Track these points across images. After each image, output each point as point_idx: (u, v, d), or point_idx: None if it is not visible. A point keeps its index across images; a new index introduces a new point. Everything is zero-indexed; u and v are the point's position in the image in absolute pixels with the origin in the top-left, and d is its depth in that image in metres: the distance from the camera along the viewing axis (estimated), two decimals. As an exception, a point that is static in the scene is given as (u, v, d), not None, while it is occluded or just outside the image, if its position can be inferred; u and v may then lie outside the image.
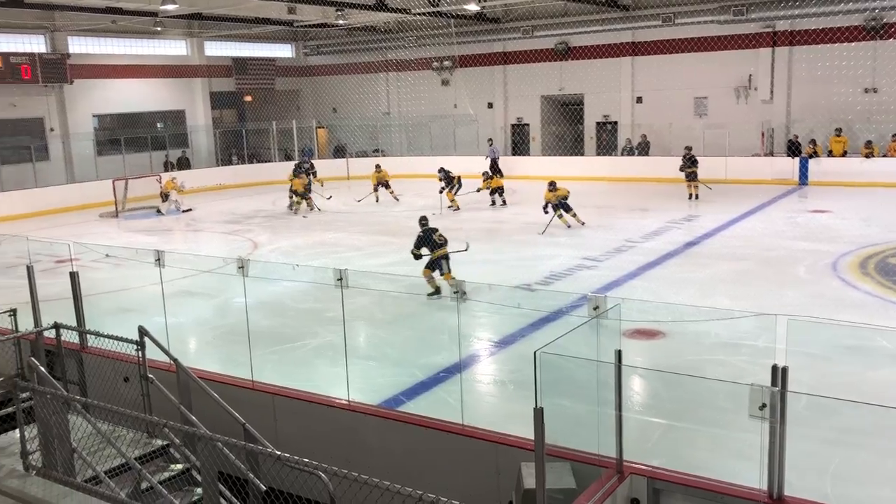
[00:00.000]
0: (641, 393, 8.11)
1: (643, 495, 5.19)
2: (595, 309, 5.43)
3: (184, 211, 22.50)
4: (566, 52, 28.86)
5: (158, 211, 22.40)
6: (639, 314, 9.93)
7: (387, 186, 23.50)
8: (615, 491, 5.04)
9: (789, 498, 4.70)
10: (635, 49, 27.72)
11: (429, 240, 12.25)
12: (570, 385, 7.25)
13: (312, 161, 27.37)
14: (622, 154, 27.53)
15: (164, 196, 22.63)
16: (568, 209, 17.64)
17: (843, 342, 8.93)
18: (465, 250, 12.93)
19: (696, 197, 21.01)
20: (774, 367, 4.50)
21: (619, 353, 5.11)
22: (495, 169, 27.50)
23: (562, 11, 27.74)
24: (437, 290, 11.90)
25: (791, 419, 4.61)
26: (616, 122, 28.67)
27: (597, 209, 20.66)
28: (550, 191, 17.59)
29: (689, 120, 26.47)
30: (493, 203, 21.78)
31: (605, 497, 4.95)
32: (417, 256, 12.25)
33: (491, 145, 28.51)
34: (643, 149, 26.97)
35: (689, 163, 21.22)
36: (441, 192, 21.25)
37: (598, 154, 28.71)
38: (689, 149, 21.85)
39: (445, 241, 12.29)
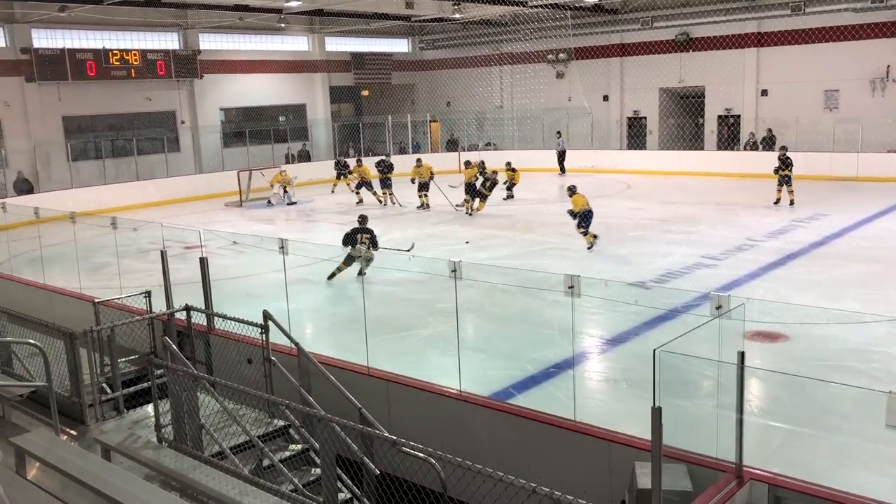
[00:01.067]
0: (762, 397, 7.81)
1: (764, 502, 5.00)
2: (717, 308, 5.26)
3: (289, 203, 23.17)
4: (687, 44, 27.99)
5: (269, 202, 23.17)
6: (761, 315, 9.54)
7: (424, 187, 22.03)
8: (734, 496, 4.88)
9: (925, 515, 4.43)
10: (761, 40, 26.56)
11: (351, 238, 12.96)
12: (688, 386, 7.07)
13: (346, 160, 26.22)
14: (745, 149, 26.45)
15: (281, 187, 23.43)
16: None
17: None
18: (409, 250, 13.13)
19: (791, 203, 19.06)
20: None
21: (741, 355, 4.94)
22: (561, 162, 27.57)
23: (683, 1, 26.93)
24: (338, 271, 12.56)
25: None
26: (739, 116, 27.59)
27: (717, 206, 19.99)
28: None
29: (817, 114, 25.15)
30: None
31: (723, 501, 4.80)
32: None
33: (559, 137, 28.24)
34: (768, 143, 25.79)
35: (784, 165, 19.15)
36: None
37: (720, 148, 27.70)
38: (784, 149, 19.86)
39: (369, 244, 12.74)
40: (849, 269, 12.77)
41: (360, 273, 12.41)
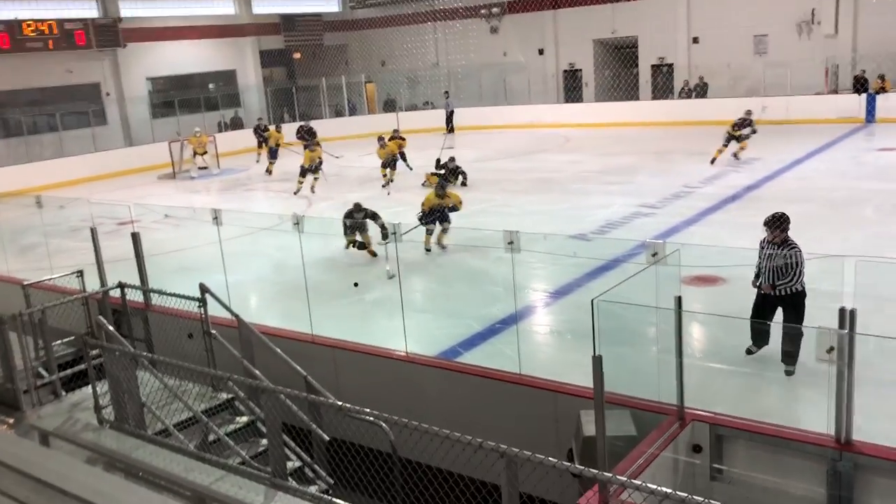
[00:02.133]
0: (702, 340, 7.99)
1: (705, 442, 5.13)
2: (653, 255, 5.33)
3: (202, 170, 22.57)
4: (618, -7, 28.05)
5: (191, 176, 22.46)
6: (698, 260, 9.73)
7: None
8: (677, 437, 5.00)
9: (858, 442, 4.59)
10: (691, -13, 26.75)
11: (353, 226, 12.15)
12: (629, 333, 7.18)
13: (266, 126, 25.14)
14: (679, 97, 26.78)
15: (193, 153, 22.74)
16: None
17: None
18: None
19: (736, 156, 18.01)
20: (842, 310, 4.36)
21: (678, 300, 5.02)
22: (449, 123, 27.68)
23: (614, -50, 26.92)
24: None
25: (859, 363, 4.47)
26: (672, 65, 27.86)
27: (654, 155, 20.24)
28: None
29: (748, 59, 25.54)
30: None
31: (666, 443, 4.91)
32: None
33: (447, 98, 28.37)
34: (701, 91, 26.15)
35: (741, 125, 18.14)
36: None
37: (654, 98, 27.99)
38: (748, 113, 18.48)
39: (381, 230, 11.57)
40: (782, 211, 13.07)
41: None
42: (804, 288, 7.08)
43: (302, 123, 23.08)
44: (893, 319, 7.42)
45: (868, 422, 4.92)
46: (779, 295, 7.04)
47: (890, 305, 7.95)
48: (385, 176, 18.36)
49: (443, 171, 17.54)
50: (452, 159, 17.95)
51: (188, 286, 7.47)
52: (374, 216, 11.87)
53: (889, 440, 4.73)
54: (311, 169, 17.95)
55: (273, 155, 21.77)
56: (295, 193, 17.87)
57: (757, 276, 7.36)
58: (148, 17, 28.62)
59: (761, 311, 7.17)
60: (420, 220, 11.97)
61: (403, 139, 19.62)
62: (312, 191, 17.85)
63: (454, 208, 12.26)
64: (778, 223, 7.45)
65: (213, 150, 23.25)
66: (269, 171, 21.46)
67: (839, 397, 4.52)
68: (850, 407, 4.54)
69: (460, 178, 17.57)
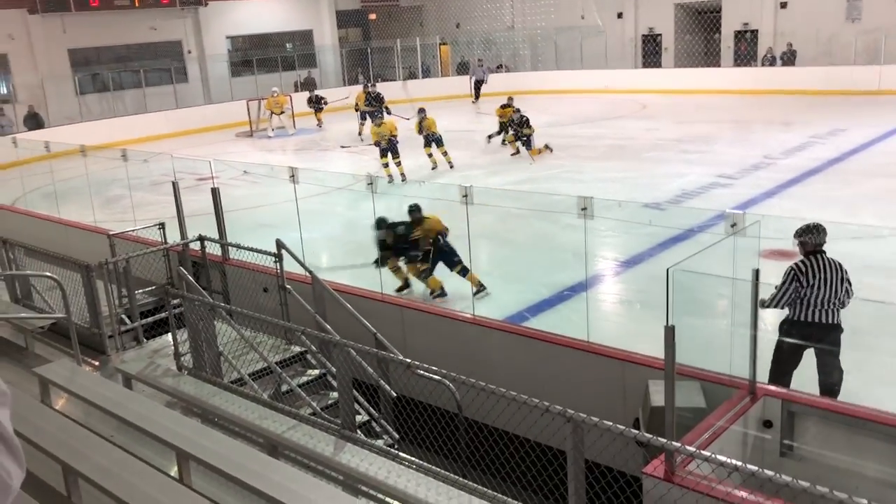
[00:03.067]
0: (778, 315, 7.79)
1: (776, 418, 5.04)
2: (732, 226, 5.19)
3: (278, 130, 22.79)
4: (703, -44, 27.06)
5: (268, 135, 22.70)
6: (777, 233, 9.45)
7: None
8: (747, 412, 4.92)
9: (939, 427, 4.45)
10: (781, -51, 25.59)
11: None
12: (702, 305, 7.06)
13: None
14: (762, 65, 25.79)
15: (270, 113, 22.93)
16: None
17: None
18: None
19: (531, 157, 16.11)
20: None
21: (756, 272, 4.90)
22: (478, 92, 26.70)
23: (700, -89, 25.91)
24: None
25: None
26: (756, 31, 26.80)
27: (733, 124, 19.64)
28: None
29: (839, 25, 24.37)
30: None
31: (736, 417, 4.84)
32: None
33: (480, 66, 27.40)
34: (788, 59, 25.09)
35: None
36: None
37: (736, 65, 27.03)
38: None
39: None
40: (867, 185, 12.58)
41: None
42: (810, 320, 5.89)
43: (369, 87, 21.04)
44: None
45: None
46: (829, 324, 5.73)
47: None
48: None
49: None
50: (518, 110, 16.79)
51: (264, 242, 7.66)
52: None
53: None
54: (383, 147, 15.35)
55: (363, 117, 20.27)
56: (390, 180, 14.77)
57: (787, 322, 5.89)
58: (229, -24, 29.06)
59: (790, 363, 5.81)
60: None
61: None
62: (403, 178, 15.20)
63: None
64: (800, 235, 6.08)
65: (289, 110, 23.57)
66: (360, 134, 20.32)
67: (922, 379, 4.38)
68: (934, 390, 4.39)
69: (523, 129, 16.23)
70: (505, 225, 11.78)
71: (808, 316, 5.76)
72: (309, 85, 29.88)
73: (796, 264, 5.92)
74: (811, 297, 5.72)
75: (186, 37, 28.21)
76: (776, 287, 5.90)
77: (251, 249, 7.53)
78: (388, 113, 19.25)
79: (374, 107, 19.87)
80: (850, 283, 5.85)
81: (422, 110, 16.50)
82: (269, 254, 7.29)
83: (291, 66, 30.43)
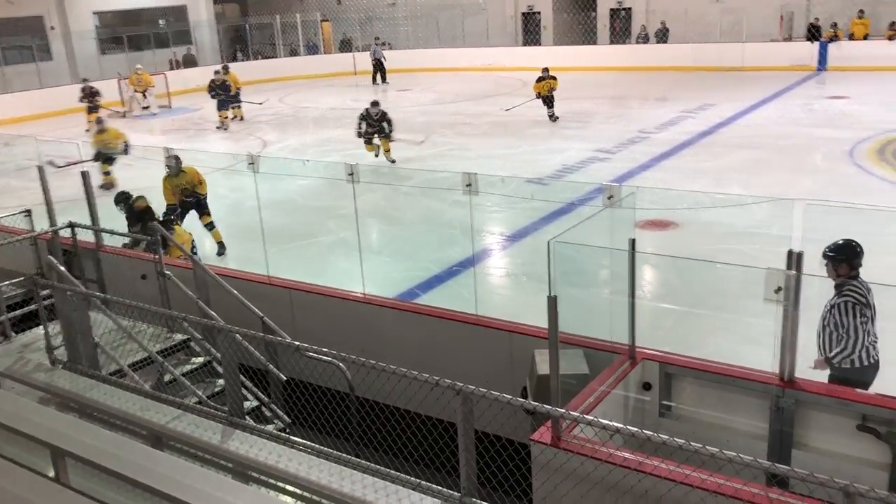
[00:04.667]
0: (654, 282, 8.16)
1: (655, 380, 5.28)
2: (609, 198, 5.38)
3: (144, 109, 21.97)
4: (579, -65, 27.68)
5: (125, 113, 21.81)
6: (652, 204, 9.88)
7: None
8: (628, 375, 5.13)
9: (800, 379, 4.77)
10: (651, -70, 26.51)
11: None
12: (583, 275, 7.29)
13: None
14: (637, 42, 26.73)
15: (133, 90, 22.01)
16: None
17: (859, 228, 8.86)
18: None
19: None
20: (790, 252, 4.48)
21: (632, 242, 5.09)
22: (383, 71, 26.22)
23: None
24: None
25: (803, 304, 4.62)
26: (630, 9, 27.73)
27: (610, 100, 20.29)
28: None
29: (705, 5, 25.53)
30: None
31: (617, 381, 5.03)
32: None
33: (381, 44, 27.29)
34: (661, 36, 26.12)
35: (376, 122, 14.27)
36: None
37: (612, 43, 27.89)
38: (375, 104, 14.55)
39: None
40: (733, 157, 13.31)
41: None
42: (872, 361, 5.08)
43: (215, 74, 19.49)
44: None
45: (809, 361, 5.11)
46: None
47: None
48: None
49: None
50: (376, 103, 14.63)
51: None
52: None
53: (827, 377, 4.93)
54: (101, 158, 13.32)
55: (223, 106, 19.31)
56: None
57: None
58: (93, -53, 27.46)
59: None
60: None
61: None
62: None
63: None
64: (844, 253, 5.09)
65: (163, 89, 22.59)
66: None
67: (784, 337, 4.68)
68: (794, 346, 4.70)
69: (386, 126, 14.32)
70: (393, 203, 11.78)
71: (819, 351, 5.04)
72: (186, 63, 28.75)
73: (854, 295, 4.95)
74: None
75: (49, 12, 26.48)
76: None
77: (126, 235, 7.20)
78: (235, 100, 18.72)
79: (219, 95, 18.92)
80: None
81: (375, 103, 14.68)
82: (146, 239, 7.00)
83: (165, 44, 29.16)
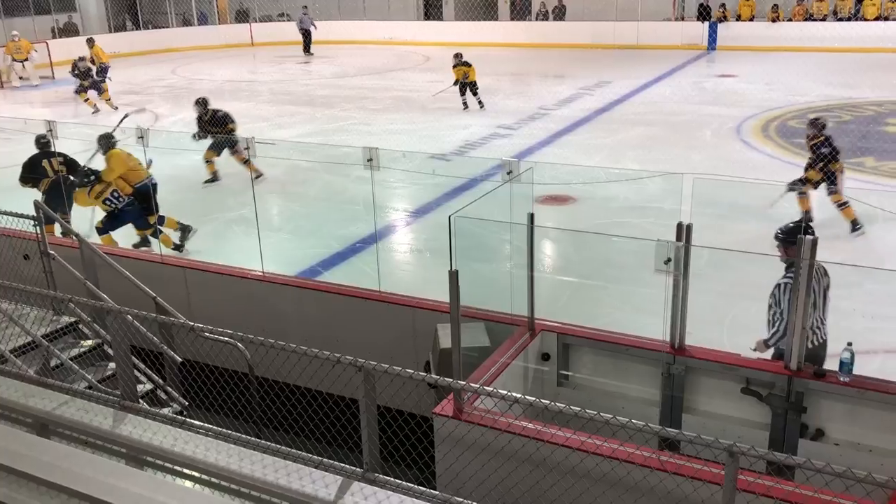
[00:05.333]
0: (553, 255, 8.34)
1: (553, 350, 5.41)
2: (508, 174, 5.44)
3: (21, 78, 20.66)
4: None
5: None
6: (551, 179, 10.06)
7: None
8: (527, 347, 5.24)
9: (690, 347, 4.99)
10: None
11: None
12: (485, 250, 7.38)
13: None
14: (536, 19, 27.06)
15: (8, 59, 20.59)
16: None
17: (744, 202, 9.31)
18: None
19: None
20: (679, 224, 4.65)
21: (531, 216, 5.18)
22: (308, 42, 25.47)
23: None
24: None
25: (692, 274, 4.82)
26: (530, -14, 28.03)
27: (511, 76, 20.48)
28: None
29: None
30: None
31: (517, 353, 5.13)
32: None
33: (306, 14, 26.12)
34: (559, 14, 26.53)
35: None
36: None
37: (512, 19, 28.13)
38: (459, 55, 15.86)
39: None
40: (628, 133, 13.69)
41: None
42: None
43: (78, 60, 17.90)
44: (724, 234, 8.01)
45: (698, 329, 5.34)
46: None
47: (722, 221, 8.58)
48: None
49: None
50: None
51: (22, 204, 6.94)
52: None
53: (714, 344, 5.17)
54: None
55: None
56: None
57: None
58: None
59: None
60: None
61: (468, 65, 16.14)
62: None
63: None
64: (794, 236, 4.83)
65: (45, 59, 21.34)
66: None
67: (674, 307, 4.87)
68: (684, 315, 4.90)
69: None
70: (293, 178, 11.56)
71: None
72: (69, 31, 27.21)
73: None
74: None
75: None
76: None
77: (4, 213, 6.78)
78: (97, 83, 17.64)
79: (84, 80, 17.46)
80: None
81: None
82: (27, 217, 6.61)
83: (46, 10, 27.49)
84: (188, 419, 4.87)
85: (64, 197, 8.71)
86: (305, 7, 26.40)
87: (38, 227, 6.46)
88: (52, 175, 8.76)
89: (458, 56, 16.14)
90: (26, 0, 26.62)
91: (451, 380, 3.92)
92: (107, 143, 8.69)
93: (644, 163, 11.37)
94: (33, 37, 24.31)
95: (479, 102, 15.92)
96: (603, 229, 8.86)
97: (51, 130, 7.62)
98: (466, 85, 15.94)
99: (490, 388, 3.71)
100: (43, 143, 8.84)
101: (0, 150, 12.97)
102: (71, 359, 5.73)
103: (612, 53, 23.07)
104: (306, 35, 25.71)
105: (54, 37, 26.01)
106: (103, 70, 18.24)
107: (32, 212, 6.50)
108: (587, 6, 25.45)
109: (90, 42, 18.99)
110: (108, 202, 8.49)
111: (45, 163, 8.86)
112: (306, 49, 25.57)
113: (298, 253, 8.71)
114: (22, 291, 5.58)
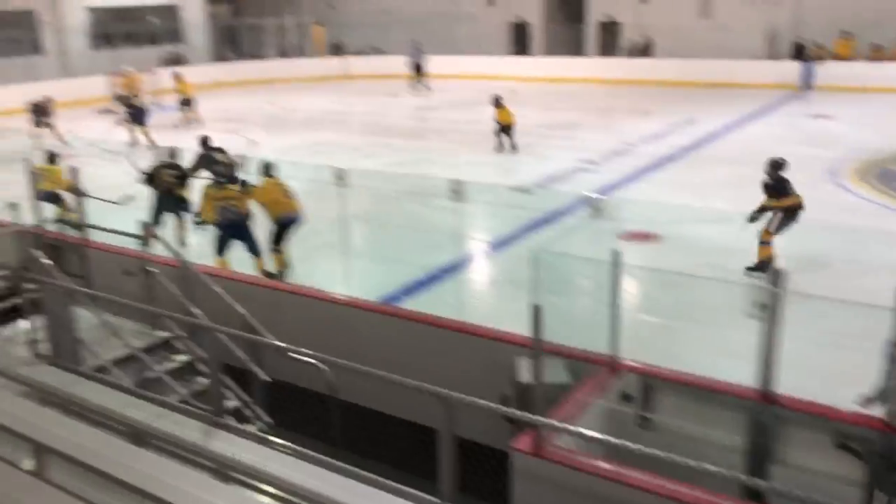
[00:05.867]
0: (636, 294, 8.22)
1: (635, 391, 5.34)
2: (593, 210, 5.45)
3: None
4: (570, -53, 27.87)
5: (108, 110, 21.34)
6: (636, 216, 9.95)
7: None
8: (608, 386, 5.18)
9: (779, 395, 4.84)
10: (643, -55, 26.75)
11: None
12: (566, 285, 7.36)
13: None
14: (625, 55, 26.96)
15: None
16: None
17: (838, 246, 9.00)
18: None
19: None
20: (772, 268, 4.55)
21: (615, 253, 5.16)
22: (419, 72, 25.59)
23: None
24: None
25: (785, 320, 4.70)
26: (619, 23, 27.94)
27: (597, 111, 20.43)
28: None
29: (694, 21, 25.80)
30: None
31: (598, 392, 5.09)
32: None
33: (417, 48, 26.09)
34: (646, 50, 26.38)
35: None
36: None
37: (600, 55, 28.10)
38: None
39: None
40: (717, 172, 13.44)
41: None
42: None
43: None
44: (817, 279, 7.75)
45: (788, 376, 5.18)
46: None
47: (814, 266, 8.32)
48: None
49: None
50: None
51: (128, 223, 7.33)
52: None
53: (807, 394, 5.00)
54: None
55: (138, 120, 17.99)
56: None
57: None
58: (87, -58, 27.33)
59: None
60: None
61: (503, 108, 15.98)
62: None
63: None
64: None
65: (154, 86, 22.49)
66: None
67: (764, 352, 4.75)
68: (775, 362, 4.77)
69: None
70: (379, 207, 11.80)
71: None
72: (176, 61, 28.64)
73: None
74: None
75: (42, 6, 26.29)
76: None
77: (113, 231, 7.18)
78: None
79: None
80: None
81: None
82: (133, 235, 6.98)
83: (156, 42, 29.02)
84: (272, 437, 5.02)
85: (175, 205, 9.55)
86: (416, 41, 26.57)
87: (142, 245, 6.79)
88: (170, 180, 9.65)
89: (498, 100, 15.72)
90: (140, 32, 28.16)
91: (530, 415, 3.93)
92: (266, 169, 9.14)
93: (734, 203, 11.12)
94: (143, 66, 25.68)
95: (513, 145, 15.68)
96: (689, 270, 8.68)
97: (172, 149, 8.01)
98: (504, 127, 15.78)
99: (571, 427, 3.70)
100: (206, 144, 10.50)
101: (111, 171, 13.72)
102: (166, 372, 5.98)
103: (702, 91, 22.74)
104: (417, 67, 25.84)
105: (161, 66, 27.39)
106: (185, 102, 19.31)
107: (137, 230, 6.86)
108: (676, 43, 25.22)
109: (177, 76, 19.81)
110: (222, 212, 8.67)
111: (164, 172, 9.83)
112: (418, 81, 25.73)
113: (381, 279, 8.86)
114: (124, 305, 5.87)
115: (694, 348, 6.98)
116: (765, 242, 8.38)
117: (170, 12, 30.50)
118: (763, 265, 8.16)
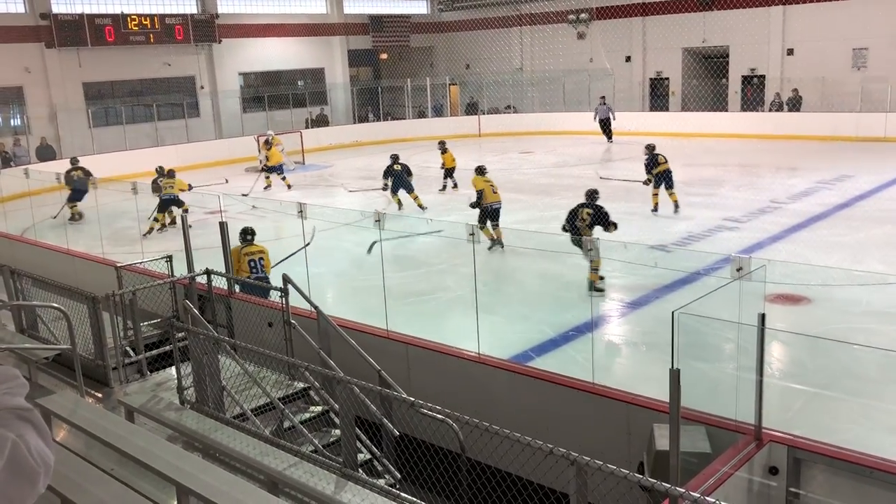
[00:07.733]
0: (784, 360, 7.75)
1: (783, 464, 4.98)
2: (738, 270, 5.20)
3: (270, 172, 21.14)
4: (710, 2, 27.40)
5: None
6: (783, 278, 9.44)
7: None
8: (753, 458, 4.87)
9: (948, 477, 4.39)
10: (787, -3, 25.96)
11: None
12: (708, 348, 7.04)
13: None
14: (770, 110, 25.98)
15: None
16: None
17: None
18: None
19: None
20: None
21: (762, 317, 4.89)
22: (607, 130, 25.55)
23: (707, -42, 26.33)
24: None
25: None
26: (763, 76, 27.05)
27: (740, 168, 19.73)
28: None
29: (845, 73, 24.59)
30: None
31: (742, 463, 4.79)
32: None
33: (603, 104, 26.01)
34: (794, 104, 25.30)
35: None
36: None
37: (744, 110, 27.24)
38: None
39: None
40: (873, 231, 12.59)
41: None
42: None
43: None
44: None
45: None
46: None
47: None
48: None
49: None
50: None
51: (271, 276, 7.69)
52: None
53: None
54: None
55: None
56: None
57: None
58: (243, 14, 29.57)
59: None
60: None
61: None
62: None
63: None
64: None
65: (297, 146, 23.70)
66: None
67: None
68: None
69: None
70: (511, 264, 11.81)
71: None
72: (320, 122, 30.21)
73: None
74: None
75: (200, 73, 28.61)
76: None
77: (257, 284, 7.54)
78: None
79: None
80: None
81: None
82: (275, 288, 7.30)
83: (302, 103, 30.78)
84: (401, 493, 5.02)
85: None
86: (603, 97, 26.50)
87: (283, 298, 7.09)
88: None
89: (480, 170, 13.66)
90: (287, 95, 30.01)
91: (668, 485, 3.74)
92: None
93: (891, 265, 10.37)
94: (290, 127, 27.24)
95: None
96: (841, 335, 8.12)
97: (301, 211, 8.41)
98: (449, 170, 17.78)
99: (712, 500, 3.48)
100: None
101: (257, 227, 14.52)
102: (301, 422, 6.15)
103: (855, 146, 21.52)
104: (604, 124, 25.76)
105: (307, 127, 28.97)
106: (273, 168, 20.08)
107: (280, 283, 7.16)
108: (826, 97, 24.10)
109: (267, 143, 20.73)
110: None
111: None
112: (609, 137, 25.59)
113: (512, 337, 8.80)
114: (265, 356, 6.12)
115: (847, 420, 6.47)
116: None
117: (315, 75, 32.34)
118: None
